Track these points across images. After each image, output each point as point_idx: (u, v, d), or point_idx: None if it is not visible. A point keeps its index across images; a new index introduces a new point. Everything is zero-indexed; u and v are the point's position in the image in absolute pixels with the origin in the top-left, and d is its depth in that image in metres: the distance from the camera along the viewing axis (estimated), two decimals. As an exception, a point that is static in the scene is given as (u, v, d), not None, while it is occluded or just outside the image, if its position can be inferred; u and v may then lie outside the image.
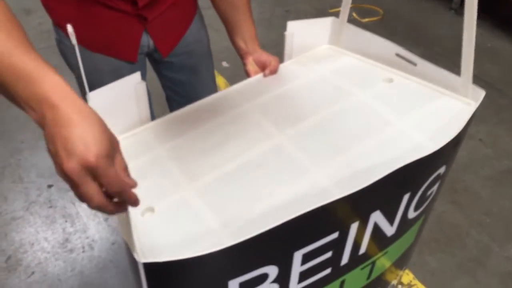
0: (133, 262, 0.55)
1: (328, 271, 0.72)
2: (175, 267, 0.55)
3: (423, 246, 1.57)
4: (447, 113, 0.85)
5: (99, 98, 0.71)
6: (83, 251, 1.58)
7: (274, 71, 0.97)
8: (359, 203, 0.65)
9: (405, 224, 0.79)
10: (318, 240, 0.64)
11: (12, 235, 1.63)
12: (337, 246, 0.69)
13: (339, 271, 0.74)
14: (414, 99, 0.88)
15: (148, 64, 1.15)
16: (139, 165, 0.76)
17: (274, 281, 0.65)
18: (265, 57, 0.98)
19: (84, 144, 0.45)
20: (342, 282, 0.78)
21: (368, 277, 0.85)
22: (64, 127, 0.46)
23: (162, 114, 0.89)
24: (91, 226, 1.66)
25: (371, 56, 0.99)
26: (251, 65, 1.00)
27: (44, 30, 2.61)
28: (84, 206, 1.73)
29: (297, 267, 0.66)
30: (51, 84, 0.48)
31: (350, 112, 0.86)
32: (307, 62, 1.01)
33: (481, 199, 1.78)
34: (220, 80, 2.35)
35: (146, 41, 1.02)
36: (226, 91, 0.94)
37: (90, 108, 0.49)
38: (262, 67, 0.99)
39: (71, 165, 0.45)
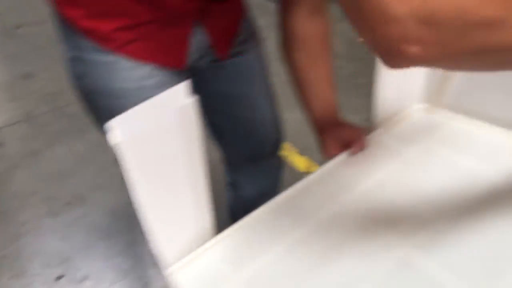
0: None
1: None
2: None
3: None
4: None
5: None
6: None
7: (362, 148, 0.73)
8: None
9: None
10: None
11: None
12: None
13: None
14: None
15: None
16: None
17: None
18: (348, 131, 0.74)
19: None
20: None
21: None
22: None
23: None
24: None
25: (490, 119, 0.75)
26: (331, 140, 0.75)
27: (47, 93, 2.39)
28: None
29: None
30: None
31: (490, 204, 0.61)
32: (402, 131, 0.77)
33: None
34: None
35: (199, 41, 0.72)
36: (307, 182, 0.69)
37: None
38: (345, 144, 0.74)
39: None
